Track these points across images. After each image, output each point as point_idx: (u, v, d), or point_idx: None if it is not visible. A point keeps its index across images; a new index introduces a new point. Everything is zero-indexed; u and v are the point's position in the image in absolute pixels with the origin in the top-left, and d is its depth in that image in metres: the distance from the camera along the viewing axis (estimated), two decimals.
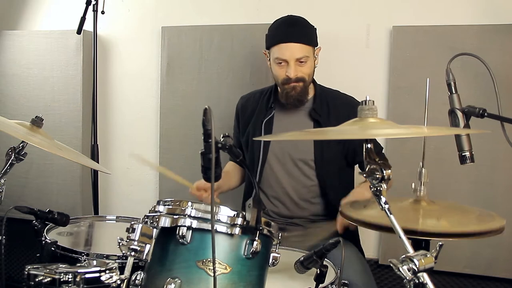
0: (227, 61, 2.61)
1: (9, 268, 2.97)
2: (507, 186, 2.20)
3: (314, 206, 2.00)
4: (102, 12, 2.44)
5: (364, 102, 1.19)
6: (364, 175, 1.10)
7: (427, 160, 1.47)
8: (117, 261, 1.37)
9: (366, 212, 1.40)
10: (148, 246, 1.13)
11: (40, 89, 2.88)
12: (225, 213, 1.12)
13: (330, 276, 1.36)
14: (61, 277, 1.18)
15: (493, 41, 2.18)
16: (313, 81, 2.06)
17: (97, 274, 1.19)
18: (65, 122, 2.83)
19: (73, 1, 2.82)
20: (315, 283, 1.25)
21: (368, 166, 1.09)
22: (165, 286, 1.07)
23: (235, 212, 1.13)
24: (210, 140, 1.02)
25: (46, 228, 1.58)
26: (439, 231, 1.18)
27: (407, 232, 1.03)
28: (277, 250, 1.22)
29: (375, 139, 1.98)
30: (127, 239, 1.12)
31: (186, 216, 1.11)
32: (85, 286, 1.18)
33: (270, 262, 1.20)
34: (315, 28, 2.00)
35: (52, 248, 1.49)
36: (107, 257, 1.45)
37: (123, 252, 1.13)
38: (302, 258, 1.26)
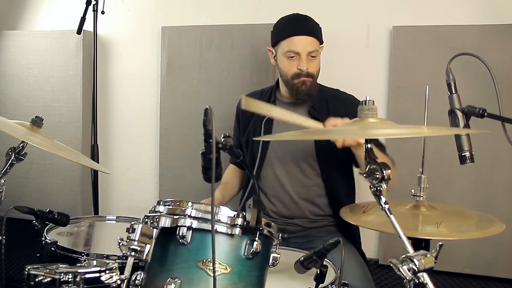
0: (227, 61, 2.61)
1: (9, 268, 2.97)
2: (507, 186, 2.20)
3: (314, 206, 2.00)
4: (102, 12, 2.44)
5: (364, 102, 1.19)
6: (364, 175, 1.10)
7: (427, 160, 1.47)
8: (117, 261, 1.37)
9: (365, 218, 1.40)
10: (148, 246, 1.13)
11: (40, 89, 2.88)
12: (225, 213, 1.12)
13: (330, 276, 1.36)
14: (61, 277, 1.18)
15: (493, 41, 2.18)
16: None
17: (97, 274, 1.19)
18: (65, 122, 2.83)
19: (73, 1, 2.82)
20: (315, 283, 1.25)
21: (368, 166, 1.09)
22: (165, 286, 1.07)
23: (235, 213, 1.13)
24: (210, 141, 1.02)
25: (46, 228, 1.58)
26: (439, 238, 1.18)
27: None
28: (277, 251, 1.22)
29: (378, 139, 1.99)
30: (127, 239, 1.12)
31: (186, 216, 1.12)
32: (85, 286, 1.18)
33: (270, 262, 1.20)
34: (320, 27, 2.01)
35: (52, 248, 1.49)
36: (107, 257, 1.45)
37: (123, 252, 1.13)
38: (302, 258, 1.26)
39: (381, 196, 1.06)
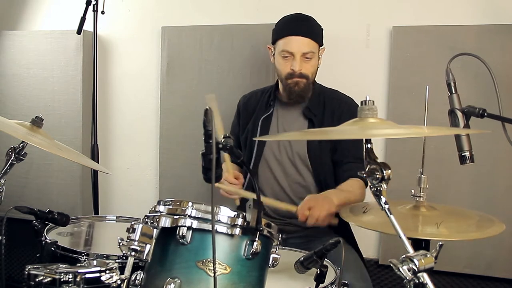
0: (227, 61, 2.61)
1: (9, 268, 2.98)
2: (507, 186, 2.20)
3: None
4: (102, 12, 2.44)
5: (364, 102, 1.19)
6: (364, 175, 1.10)
7: (427, 160, 1.47)
8: (117, 261, 1.37)
9: (365, 218, 1.40)
10: (148, 246, 1.13)
11: (40, 89, 2.88)
12: (225, 213, 1.12)
13: (330, 276, 1.36)
14: (61, 277, 1.18)
15: (493, 41, 2.18)
16: (313, 81, 2.07)
17: (97, 274, 1.19)
18: (65, 122, 2.83)
19: (73, 1, 2.82)
20: (315, 283, 1.25)
21: (368, 166, 1.09)
22: (165, 286, 1.07)
23: (235, 213, 1.13)
24: (210, 141, 1.02)
25: (46, 228, 1.58)
26: (438, 239, 1.18)
27: None
28: (277, 251, 1.22)
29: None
30: (127, 239, 1.12)
31: (187, 216, 1.11)
32: (85, 286, 1.18)
33: (270, 263, 1.20)
34: (322, 28, 2.01)
35: (52, 248, 1.49)
36: (107, 257, 1.44)
37: (123, 252, 1.13)
38: (302, 258, 1.26)
39: (381, 196, 1.06)
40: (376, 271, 2.43)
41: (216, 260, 1.06)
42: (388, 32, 2.39)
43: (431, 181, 1.43)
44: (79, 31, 2.45)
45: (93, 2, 2.43)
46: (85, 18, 2.43)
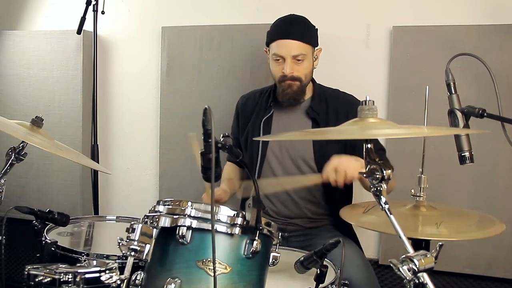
0: (227, 61, 2.61)
1: (9, 268, 2.98)
2: (507, 186, 2.20)
3: (314, 206, 2.00)
4: (102, 12, 2.44)
5: (364, 102, 1.19)
6: (364, 175, 1.10)
7: (427, 160, 1.47)
8: (117, 261, 1.37)
9: (365, 218, 1.40)
10: (148, 246, 1.13)
11: (40, 89, 2.88)
12: (225, 213, 1.12)
13: (330, 276, 1.36)
14: (61, 277, 1.18)
15: (493, 41, 2.18)
16: (313, 81, 2.07)
17: (97, 274, 1.19)
18: (65, 122, 2.83)
19: (73, 1, 2.82)
20: (315, 283, 1.25)
21: (368, 166, 1.09)
22: (165, 286, 1.07)
23: (235, 212, 1.13)
24: (210, 140, 1.02)
25: (46, 228, 1.58)
26: (438, 239, 1.18)
27: None
28: (277, 250, 1.22)
29: (377, 140, 1.99)
30: (127, 239, 1.12)
31: (186, 216, 1.11)
32: (85, 286, 1.18)
33: (270, 261, 1.20)
34: (316, 29, 2.00)
35: (52, 248, 1.49)
36: (107, 257, 1.45)
37: (123, 252, 1.13)
38: (302, 258, 1.26)
39: (381, 196, 1.06)
40: (376, 271, 2.42)
41: (216, 259, 1.06)
42: (388, 32, 2.39)
43: (431, 181, 1.43)
44: (79, 31, 2.45)
45: (93, 2, 2.43)
46: (85, 18, 2.43)
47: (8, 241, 1.60)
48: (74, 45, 2.79)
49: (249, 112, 2.14)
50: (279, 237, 1.24)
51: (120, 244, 1.12)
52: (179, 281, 1.08)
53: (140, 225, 1.13)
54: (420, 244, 1.29)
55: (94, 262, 1.43)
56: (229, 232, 1.11)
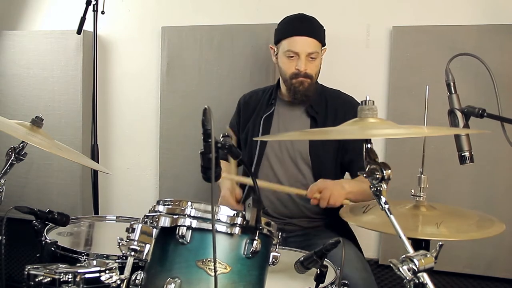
0: (227, 61, 2.61)
1: (9, 268, 2.98)
2: (507, 186, 2.20)
3: (313, 206, 1.99)
4: (102, 12, 2.44)
5: (364, 102, 1.19)
6: (364, 175, 1.10)
7: (427, 160, 1.47)
8: (117, 261, 1.37)
9: (365, 218, 1.40)
10: (148, 246, 1.13)
11: (40, 89, 2.88)
12: (225, 212, 1.12)
13: (330, 276, 1.36)
14: (61, 277, 1.18)
15: (493, 41, 2.18)
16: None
17: (97, 274, 1.19)
18: (65, 122, 2.83)
19: (73, 1, 2.82)
20: (315, 283, 1.25)
21: (368, 166, 1.09)
22: (165, 286, 1.07)
23: (235, 212, 1.13)
24: (209, 140, 1.02)
25: (46, 228, 1.58)
26: (438, 239, 1.18)
27: None
28: (277, 250, 1.22)
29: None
30: (127, 239, 1.12)
31: (186, 216, 1.11)
32: (85, 286, 1.18)
33: (270, 261, 1.20)
34: (324, 29, 2.02)
35: (52, 248, 1.49)
36: (107, 257, 1.44)
37: (123, 252, 1.13)
38: (302, 258, 1.26)
39: (381, 196, 1.06)
40: (376, 271, 2.43)
41: (216, 259, 1.06)
42: (388, 32, 2.39)
43: (431, 181, 1.43)
44: (79, 31, 2.45)
45: (93, 2, 2.43)
46: (85, 18, 2.43)
47: (8, 241, 1.60)
48: (74, 45, 2.79)
49: (250, 110, 2.15)
50: (279, 237, 1.24)
51: (120, 244, 1.12)
52: (179, 281, 1.08)
53: (140, 225, 1.13)
54: (420, 244, 1.29)
55: (94, 262, 1.43)
56: (229, 232, 1.11)
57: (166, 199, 1.19)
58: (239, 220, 1.11)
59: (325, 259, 1.24)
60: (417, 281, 0.96)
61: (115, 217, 1.95)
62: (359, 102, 1.19)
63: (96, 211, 2.50)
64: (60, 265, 1.22)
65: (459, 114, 1.44)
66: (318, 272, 1.25)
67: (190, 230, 1.10)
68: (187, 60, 2.68)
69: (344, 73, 2.45)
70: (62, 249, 1.49)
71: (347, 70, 2.46)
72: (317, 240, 1.93)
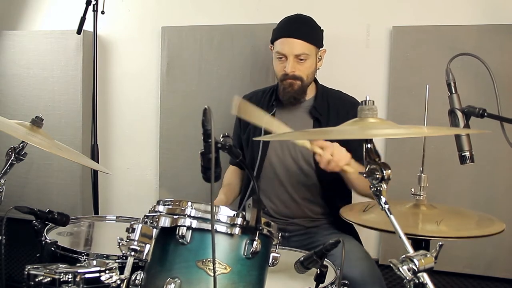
0: (227, 61, 2.61)
1: (9, 268, 2.98)
2: (507, 186, 2.20)
3: (314, 206, 2.01)
4: (102, 12, 2.44)
5: (364, 102, 1.19)
6: (364, 175, 1.10)
7: (427, 160, 1.47)
8: (117, 261, 1.37)
9: (366, 217, 1.40)
10: (148, 246, 1.13)
11: (40, 89, 2.88)
12: (225, 213, 1.12)
13: (330, 276, 1.36)
14: (61, 277, 1.18)
15: (493, 41, 2.18)
16: (315, 81, 2.08)
17: (97, 274, 1.19)
18: (65, 122, 2.83)
19: (73, 1, 2.82)
20: (315, 283, 1.25)
21: (368, 166, 1.09)
22: (165, 286, 1.07)
23: (235, 212, 1.13)
24: (209, 140, 1.02)
25: (46, 228, 1.58)
26: (438, 236, 1.19)
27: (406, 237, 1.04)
28: (277, 250, 1.22)
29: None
30: (127, 239, 1.12)
31: (186, 216, 1.11)
32: (85, 286, 1.18)
33: (270, 262, 1.20)
34: (322, 30, 2.01)
35: (52, 248, 1.49)
36: (107, 257, 1.45)
37: (123, 252, 1.13)
38: (302, 258, 1.26)
39: (381, 196, 1.06)
40: None
41: (216, 259, 1.06)
42: (388, 32, 2.39)
43: (431, 181, 1.43)
44: (79, 31, 2.45)
45: (93, 2, 2.42)
46: (85, 18, 2.43)
47: (8, 241, 1.60)
48: (74, 45, 2.79)
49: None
50: (279, 237, 1.24)
51: (120, 244, 1.12)
52: (179, 281, 1.08)
53: (140, 225, 1.13)
54: (420, 244, 1.29)
55: (94, 262, 1.43)
56: (229, 232, 1.11)
57: (166, 199, 1.19)
58: (239, 221, 1.12)
59: (326, 259, 1.24)
60: (417, 281, 0.96)
61: (115, 217, 1.95)
62: (360, 102, 1.19)
63: (96, 211, 2.50)
64: (60, 265, 1.22)
65: (459, 114, 1.44)
66: (318, 272, 1.25)
67: (190, 230, 1.10)
68: (187, 60, 2.68)
69: (344, 73, 2.44)
70: (62, 249, 1.49)
71: (347, 70, 2.46)
72: (320, 238, 1.93)
